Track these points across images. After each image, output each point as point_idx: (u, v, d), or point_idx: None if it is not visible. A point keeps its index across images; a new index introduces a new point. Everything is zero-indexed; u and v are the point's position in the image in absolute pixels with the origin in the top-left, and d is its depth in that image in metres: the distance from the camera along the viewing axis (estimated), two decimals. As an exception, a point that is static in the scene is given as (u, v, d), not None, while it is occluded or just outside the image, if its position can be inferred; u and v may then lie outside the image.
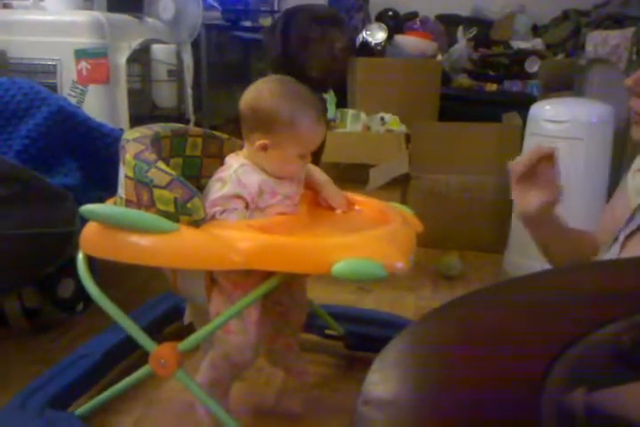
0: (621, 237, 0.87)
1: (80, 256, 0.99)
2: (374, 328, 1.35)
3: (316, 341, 1.39)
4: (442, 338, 0.49)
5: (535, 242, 1.01)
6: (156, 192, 0.86)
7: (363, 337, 1.34)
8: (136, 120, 2.08)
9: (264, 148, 0.95)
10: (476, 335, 0.49)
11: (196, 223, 0.86)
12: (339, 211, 1.06)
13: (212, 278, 0.95)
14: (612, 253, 0.87)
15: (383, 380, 0.43)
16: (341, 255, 0.80)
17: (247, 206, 0.93)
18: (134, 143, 0.92)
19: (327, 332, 1.37)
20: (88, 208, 0.90)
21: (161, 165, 0.88)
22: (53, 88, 1.91)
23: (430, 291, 1.81)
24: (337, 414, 1.16)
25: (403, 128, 2.29)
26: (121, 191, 0.93)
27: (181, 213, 0.85)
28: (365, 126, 2.29)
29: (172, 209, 0.86)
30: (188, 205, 0.85)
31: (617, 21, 2.66)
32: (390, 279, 0.82)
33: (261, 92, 0.95)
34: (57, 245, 1.31)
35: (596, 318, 0.50)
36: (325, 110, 1.48)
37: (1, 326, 1.43)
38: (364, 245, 0.84)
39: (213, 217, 0.90)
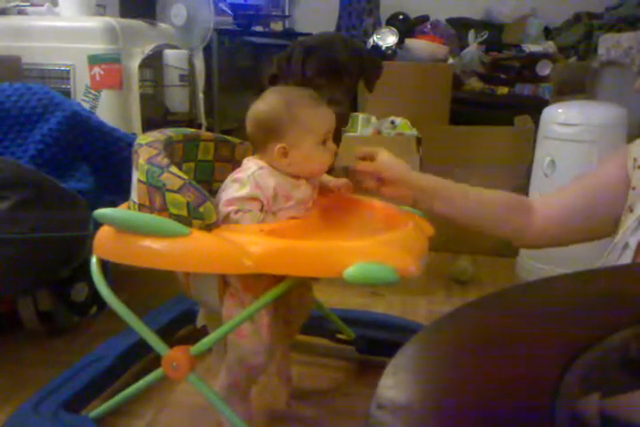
0: (633, 244, 0.86)
1: (93, 260, 1.00)
2: (386, 333, 1.35)
3: (327, 345, 1.39)
4: (455, 343, 0.49)
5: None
6: (169, 196, 0.86)
7: (374, 341, 1.34)
8: (149, 125, 2.10)
9: (284, 153, 0.95)
10: (489, 340, 0.49)
11: (208, 227, 0.87)
12: (342, 192, 1.06)
13: (224, 282, 0.95)
14: (623, 260, 0.87)
15: (397, 384, 0.43)
16: (353, 259, 0.80)
17: (262, 209, 0.94)
18: (147, 148, 0.93)
19: (338, 336, 1.37)
20: (101, 212, 0.91)
21: (173, 169, 0.88)
22: (67, 93, 1.93)
23: (442, 295, 1.81)
24: (348, 418, 1.16)
25: (414, 132, 2.29)
26: (134, 195, 0.93)
27: (194, 217, 0.86)
28: (376, 130, 2.29)
29: (184, 213, 0.86)
30: (201, 209, 0.86)
31: (629, 23, 2.64)
32: (402, 284, 0.81)
33: (257, 106, 0.98)
34: (70, 248, 1.32)
35: (610, 323, 0.50)
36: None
37: (15, 329, 1.45)
38: (375, 249, 0.84)
39: (228, 216, 0.91)
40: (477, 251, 2.10)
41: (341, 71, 1.35)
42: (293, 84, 1.23)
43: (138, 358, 1.26)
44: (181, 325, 1.42)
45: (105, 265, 1.01)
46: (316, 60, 1.34)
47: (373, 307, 1.66)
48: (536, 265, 1.88)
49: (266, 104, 0.97)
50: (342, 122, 1.39)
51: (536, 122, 1.97)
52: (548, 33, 3.23)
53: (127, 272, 1.26)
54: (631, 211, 0.90)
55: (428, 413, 0.40)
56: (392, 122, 2.30)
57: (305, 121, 0.95)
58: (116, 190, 1.43)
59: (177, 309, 1.44)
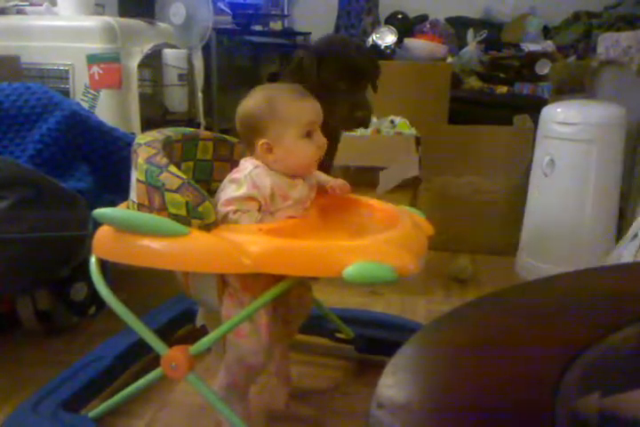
0: None
1: (93, 260, 1.00)
2: (385, 332, 1.34)
3: (326, 344, 1.39)
4: (455, 342, 0.49)
5: None
6: (168, 196, 0.86)
7: (373, 341, 1.34)
8: (148, 124, 2.10)
9: (268, 148, 0.96)
10: (489, 339, 0.49)
11: (207, 227, 0.87)
12: (337, 191, 1.06)
13: (223, 282, 0.95)
14: (630, 250, 0.87)
15: (397, 383, 0.43)
16: (352, 259, 0.80)
17: (260, 208, 0.94)
18: (146, 147, 0.93)
19: (337, 335, 1.37)
20: (100, 212, 0.91)
21: (172, 168, 0.88)
22: (66, 93, 1.93)
23: (441, 294, 1.81)
24: (347, 417, 1.16)
25: (413, 131, 2.29)
26: (133, 195, 0.93)
27: (192, 217, 0.86)
28: (375, 129, 2.29)
29: (183, 213, 0.86)
30: (199, 209, 0.86)
31: (628, 23, 2.64)
32: (401, 283, 0.81)
33: (242, 104, 0.99)
34: (69, 248, 1.32)
35: (611, 321, 0.50)
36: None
37: (14, 329, 1.45)
38: (374, 248, 0.84)
39: (226, 216, 0.91)
40: (476, 250, 2.10)
41: (360, 74, 1.34)
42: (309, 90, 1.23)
43: (137, 357, 1.26)
44: (181, 324, 1.41)
45: (104, 265, 1.01)
46: (333, 65, 1.33)
47: (372, 306, 1.65)
48: (535, 264, 1.88)
49: (248, 101, 0.98)
50: (364, 124, 1.39)
51: (535, 121, 1.97)
52: (546, 32, 3.24)
53: (126, 272, 1.26)
54: None
55: (427, 412, 0.40)
56: (391, 121, 2.30)
57: (284, 114, 0.95)
58: (116, 190, 1.43)
59: (176, 308, 1.43)
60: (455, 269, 1.91)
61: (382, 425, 0.38)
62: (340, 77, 1.32)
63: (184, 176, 0.88)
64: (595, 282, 0.61)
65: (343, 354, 1.38)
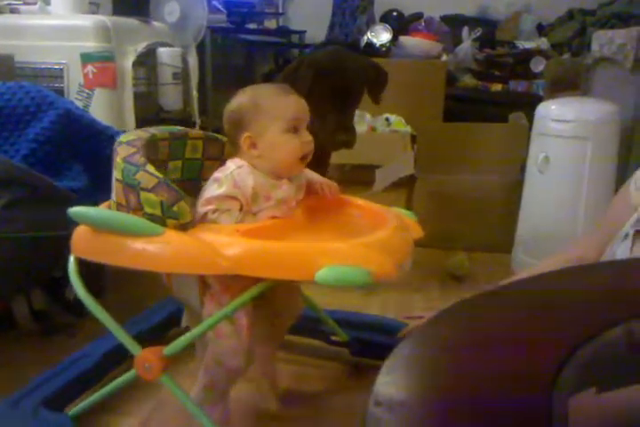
0: (631, 232, 0.88)
1: (71, 259, 0.99)
2: (380, 335, 1.33)
3: (320, 347, 1.38)
4: (452, 339, 0.49)
5: None
6: (143, 195, 0.86)
7: (368, 343, 1.32)
8: (142, 123, 2.08)
9: (252, 143, 0.95)
10: (485, 336, 0.49)
11: (184, 226, 0.86)
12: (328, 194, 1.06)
13: (204, 282, 0.94)
14: (622, 249, 0.88)
15: (394, 381, 0.42)
16: (325, 261, 0.79)
17: (241, 208, 0.93)
18: (126, 146, 0.92)
19: (332, 338, 1.35)
20: (76, 211, 0.90)
21: (149, 167, 0.87)
22: (60, 92, 1.92)
23: (438, 292, 1.81)
24: (342, 420, 1.15)
25: (408, 129, 2.29)
26: (113, 194, 0.93)
27: (167, 217, 0.85)
28: (370, 127, 2.29)
29: (158, 212, 0.85)
30: (174, 209, 0.85)
31: (622, 20, 2.65)
32: (397, 280, 0.81)
33: (229, 104, 0.99)
34: (64, 247, 1.32)
35: (607, 318, 0.50)
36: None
37: (10, 329, 1.44)
38: (349, 251, 0.82)
39: (205, 216, 0.90)
40: (472, 247, 2.10)
41: (351, 97, 1.32)
42: None
43: (124, 357, 1.24)
44: (171, 326, 1.40)
45: (101, 266, 0.99)
46: (326, 82, 1.30)
47: (369, 305, 1.64)
48: (531, 261, 1.88)
49: (234, 100, 0.98)
50: (348, 146, 1.37)
51: (530, 118, 1.97)
52: (541, 30, 3.24)
53: (122, 272, 1.26)
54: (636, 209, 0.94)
55: (424, 409, 0.40)
56: (386, 119, 2.30)
57: (268, 108, 0.94)
58: (110, 189, 1.42)
59: (169, 309, 1.42)
60: (451, 267, 1.91)
61: (380, 422, 0.38)
62: (330, 97, 1.30)
63: (160, 175, 0.87)
64: (590, 279, 0.61)
65: (338, 357, 1.37)
